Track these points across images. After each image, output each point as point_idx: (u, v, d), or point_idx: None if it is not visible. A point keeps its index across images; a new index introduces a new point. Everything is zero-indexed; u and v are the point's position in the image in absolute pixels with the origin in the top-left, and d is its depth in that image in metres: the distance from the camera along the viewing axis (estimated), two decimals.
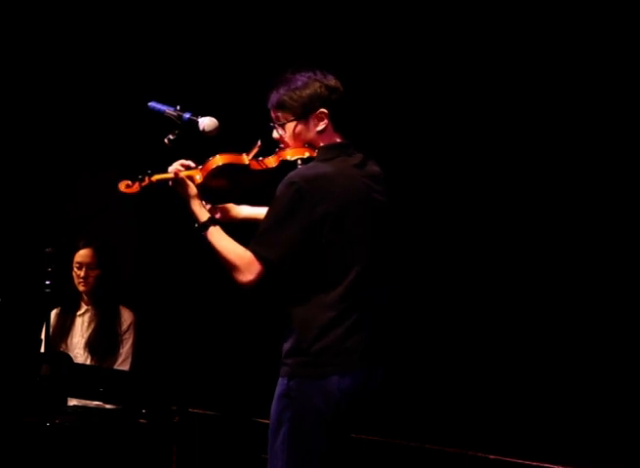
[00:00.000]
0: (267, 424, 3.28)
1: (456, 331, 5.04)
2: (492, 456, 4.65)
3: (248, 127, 3.54)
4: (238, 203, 3.59)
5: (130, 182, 3.43)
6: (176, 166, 3.40)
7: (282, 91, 3.37)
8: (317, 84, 3.35)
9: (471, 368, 4.97)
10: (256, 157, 3.40)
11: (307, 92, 3.34)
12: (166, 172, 3.42)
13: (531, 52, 4.85)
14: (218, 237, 3.27)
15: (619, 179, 4.69)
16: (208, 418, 5.42)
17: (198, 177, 3.37)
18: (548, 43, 4.80)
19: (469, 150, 5.03)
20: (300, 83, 3.35)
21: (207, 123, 3.46)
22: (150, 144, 3.62)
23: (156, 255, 5.95)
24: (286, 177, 3.22)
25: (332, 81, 3.38)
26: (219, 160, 3.36)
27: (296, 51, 5.16)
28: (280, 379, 3.24)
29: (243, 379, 5.53)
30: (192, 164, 3.42)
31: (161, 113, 3.49)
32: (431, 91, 5.07)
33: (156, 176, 3.41)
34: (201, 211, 3.32)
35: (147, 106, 3.52)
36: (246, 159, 3.38)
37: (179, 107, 3.49)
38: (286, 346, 3.25)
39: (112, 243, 5.41)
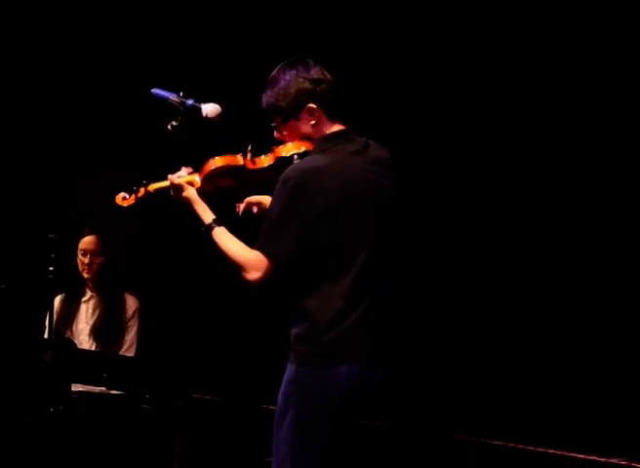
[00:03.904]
0: (272, 410, 3.28)
1: (456, 322, 5.04)
2: (496, 442, 4.67)
3: (251, 114, 3.54)
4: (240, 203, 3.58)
5: (126, 194, 3.46)
6: (174, 175, 3.42)
7: (269, 93, 3.37)
8: (300, 80, 3.33)
9: (473, 363, 4.98)
10: (252, 157, 3.40)
11: (292, 90, 3.32)
12: (163, 180, 3.43)
13: (533, 50, 4.85)
14: (224, 238, 3.28)
15: (619, 179, 4.69)
16: (212, 404, 5.43)
17: (197, 180, 3.39)
18: (550, 43, 4.80)
19: (471, 144, 5.03)
20: (283, 82, 3.33)
21: (210, 109, 3.45)
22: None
23: (160, 242, 5.94)
24: (283, 174, 3.23)
25: (315, 73, 3.35)
26: (215, 162, 3.38)
27: (300, 40, 5.14)
28: (289, 365, 3.24)
29: (248, 366, 5.54)
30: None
31: (164, 100, 3.48)
32: (435, 88, 5.08)
33: (153, 185, 3.43)
34: (205, 212, 3.33)
35: (151, 93, 3.51)
36: (241, 160, 3.39)
37: (182, 94, 3.49)
38: (296, 334, 3.25)
39: (115, 228, 5.41)
